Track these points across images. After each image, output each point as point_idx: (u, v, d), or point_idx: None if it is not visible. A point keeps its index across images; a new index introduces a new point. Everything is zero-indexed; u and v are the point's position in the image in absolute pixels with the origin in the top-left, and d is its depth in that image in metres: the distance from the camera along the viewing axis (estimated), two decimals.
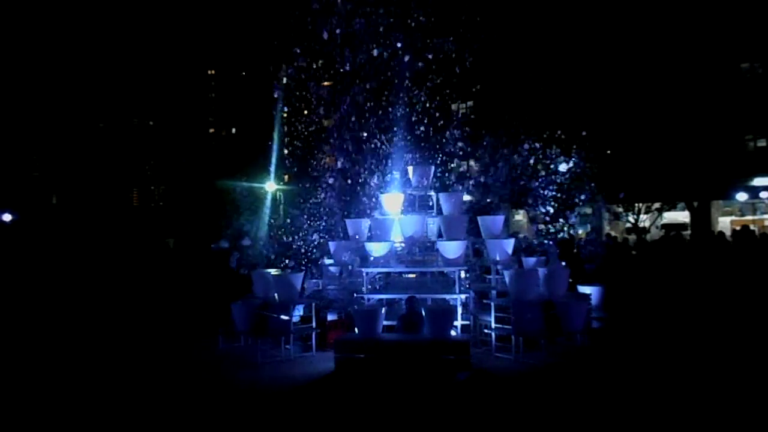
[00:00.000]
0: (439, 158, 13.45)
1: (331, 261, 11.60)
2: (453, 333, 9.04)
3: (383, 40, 12.94)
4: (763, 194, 23.54)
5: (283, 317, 9.82)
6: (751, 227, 19.05)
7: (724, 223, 26.63)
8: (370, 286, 10.38)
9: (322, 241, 12.39)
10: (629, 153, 22.88)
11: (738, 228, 17.34)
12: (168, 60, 48.22)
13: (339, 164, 12.90)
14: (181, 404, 7.26)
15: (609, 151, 20.65)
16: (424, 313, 8.91)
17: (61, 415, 6.87)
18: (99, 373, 8.70)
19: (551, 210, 12.46)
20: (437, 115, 13.46)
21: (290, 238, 12.63)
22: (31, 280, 13.12)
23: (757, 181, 24.38)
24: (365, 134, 12.97)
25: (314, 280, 11.63)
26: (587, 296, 10.04)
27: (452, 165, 14.39)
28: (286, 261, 11.99)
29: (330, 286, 11.49)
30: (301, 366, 9.07)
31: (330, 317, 10.53)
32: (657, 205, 26.68)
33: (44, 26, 42.81)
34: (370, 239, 11.01)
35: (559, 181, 13.04)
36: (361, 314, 9.15)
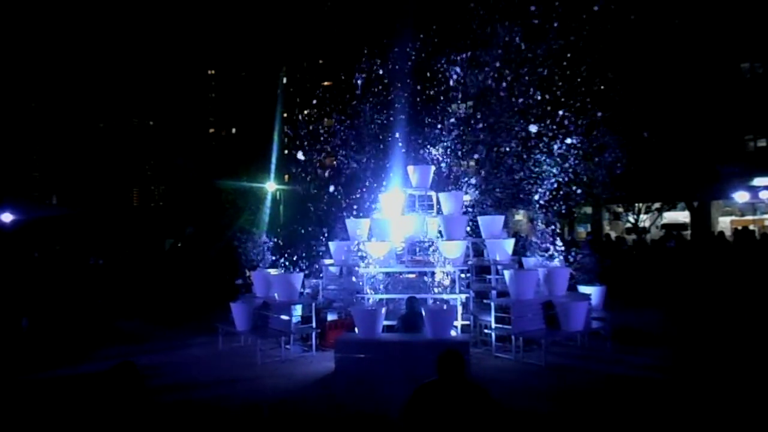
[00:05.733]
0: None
1: (331, 261, 11.59)
2: (453, 333, 9.04)
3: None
4: (763, 194, 23.52)
5: (283, 317, 9.83)
6: (751, 227, 19.07)
7: (724, 223, 26.63)
8: (370, 286, 10.37)
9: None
10: (630, 153, 22.86)
11: (739, 228, 17.37)
12: (168, 60, 48.21)
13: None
14: (181, 404, 7.26)
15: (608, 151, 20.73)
16: (424, 313, 8.91)
17: (54, 414, 6.87)
18: (95, 372, 8.68)
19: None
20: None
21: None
22: (31, 280, 13.11)
23: (757, 181, 24.36)
24: None
25: (314, 280, 11.62)
26: (587, 296, 10.03)
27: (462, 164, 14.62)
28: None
29: (330, 286, 11.49)
30: (301, 366, 9.07)
31: (330, 317, 10.53)
32: (657, 205, 26.67)
33: (44, 26, 42.81)
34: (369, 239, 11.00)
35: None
36: (361, 314, 9.14)
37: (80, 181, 44.06)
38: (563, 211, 12.42)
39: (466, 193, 13.20)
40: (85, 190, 43.12)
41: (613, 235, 24.04)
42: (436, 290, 9.79)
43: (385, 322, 9.31)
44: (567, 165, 13.33)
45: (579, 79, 14.22)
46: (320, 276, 11.70)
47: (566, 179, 13.37)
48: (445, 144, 13.57)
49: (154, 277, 15.23)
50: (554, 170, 13.21)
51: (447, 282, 9.79)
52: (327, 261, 11.73)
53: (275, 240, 12.21)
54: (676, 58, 22.92)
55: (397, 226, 10.95)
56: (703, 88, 22.88)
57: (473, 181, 13.90)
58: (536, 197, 12.90)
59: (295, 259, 11.34)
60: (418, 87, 14.83)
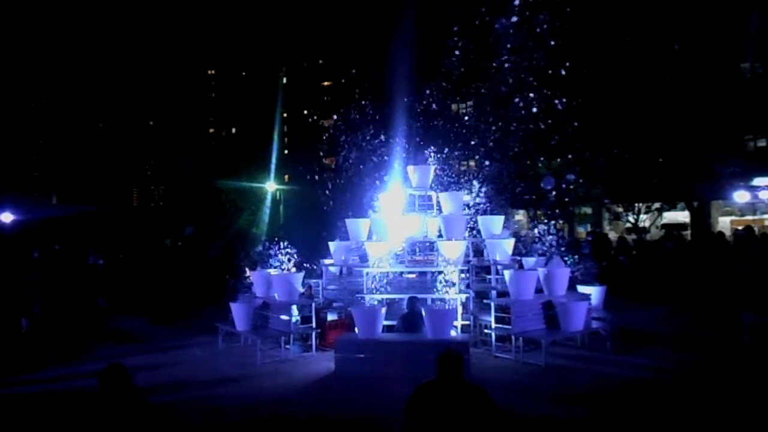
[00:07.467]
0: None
1: (331, 261, 11.57)
2: (453, 333, 9.04)
3: None
4: (763, 194, 23.50)
5: (283, 317, 9.82)
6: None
7: (724, 223, 26.60)
8: (370, 286, 10.35)
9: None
10: (630, 152, 22.87)
11: (740, 228, 17.33)
12: (168, 60, 48.22)
13: None
14: (181, 403, 7.25)
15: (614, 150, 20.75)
16: (424, 313, 8.91)
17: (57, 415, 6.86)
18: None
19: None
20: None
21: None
22: (31, 280, 13.12)
23: (757, 181, 24.34)
24: None
25: (314, 280, 11.60)
26: (587, 296, 10.03)
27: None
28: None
29: (330, 286, 11.46)
30: (301, 366, 9.07)
31: (330, 317, 10.52)
32: (657, 205, 26.66)
33: (45, 26, 42.81)
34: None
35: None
36: (361, 314, 9.14)
37: (80, 181, 44.06)
38: (560, 213, 12.40)
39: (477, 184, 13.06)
40: (85, 190, 43.12)
41: (612, 235, 24.04)
42: (450, 291, 9.72)
43: (385, 322, 9.31)
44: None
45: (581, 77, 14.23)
46: (319, 275, 11.70)
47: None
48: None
49: (154, 277, 15.23)
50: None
51: (456, 280, 9.75)
52: (327, 261, 11.72)
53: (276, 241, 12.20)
54: (676, 57, 22.94)
55: (397, 226, 10.94)
56: (703, 88, 22.88)
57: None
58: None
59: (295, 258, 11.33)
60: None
